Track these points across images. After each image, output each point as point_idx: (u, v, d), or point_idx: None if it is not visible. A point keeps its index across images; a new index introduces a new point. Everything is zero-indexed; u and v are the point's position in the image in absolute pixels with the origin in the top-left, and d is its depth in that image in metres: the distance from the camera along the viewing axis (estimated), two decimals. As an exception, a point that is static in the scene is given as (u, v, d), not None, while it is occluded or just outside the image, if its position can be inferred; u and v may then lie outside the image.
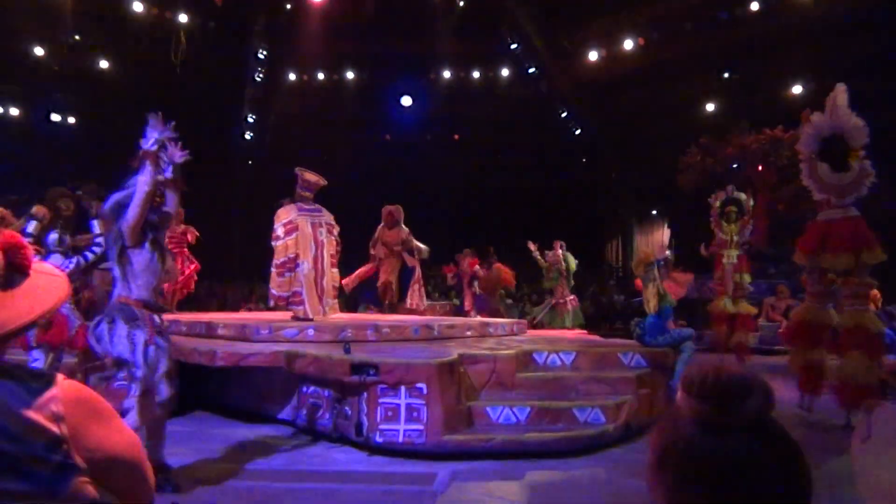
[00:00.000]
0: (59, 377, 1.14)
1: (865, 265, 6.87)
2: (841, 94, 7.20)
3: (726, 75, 17.56)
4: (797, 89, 16.37)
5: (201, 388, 7.35)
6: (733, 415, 0.86)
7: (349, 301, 11.56)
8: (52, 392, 1.09)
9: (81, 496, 1.08)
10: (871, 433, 3.87)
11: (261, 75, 21.70)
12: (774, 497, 0.84)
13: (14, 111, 14.92)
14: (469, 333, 8.51)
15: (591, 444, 5.77)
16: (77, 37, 14.36)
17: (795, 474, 0.86)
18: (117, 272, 4.60)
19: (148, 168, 4.49)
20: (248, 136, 22.79)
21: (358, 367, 5.70)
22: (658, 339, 7.52)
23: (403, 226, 10.60)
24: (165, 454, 4.80)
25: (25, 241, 1.23)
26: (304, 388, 6.32)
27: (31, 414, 1.04)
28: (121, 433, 1.19)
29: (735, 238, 10.64)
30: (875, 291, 9.05)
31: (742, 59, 17.11)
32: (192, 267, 10.40)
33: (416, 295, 10.73)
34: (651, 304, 7.65)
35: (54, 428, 1.06)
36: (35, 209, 7.02)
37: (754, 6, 15.18)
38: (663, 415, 0.96)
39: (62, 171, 14.38)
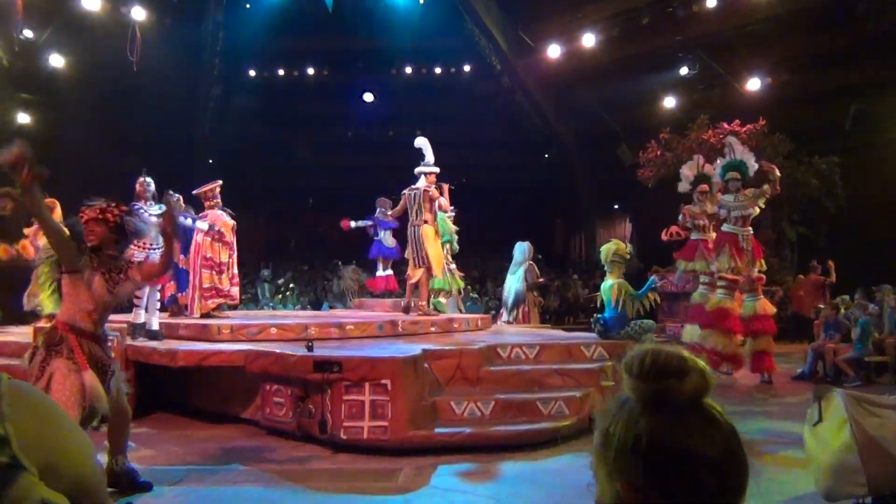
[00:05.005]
0: (5, 376, 1.12)
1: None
2: (731, 140, 9.99)
3: (685, 71, 17.81)
4: (754, 84, 16.71)
5: (162, 389, 7.25)
6: (671, 394, 0.90)
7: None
8: None
9: (29, 498, 1.06)
10: (822, 418, 3.98)
11: (219, 71, 21.40)
12: (711, 473, 0.88)
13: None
14: (433, 329, 8.54)
15: (555, 436, 5.82)
16: (28, 32, 13.93)
17: (731, 452, 0.90)
18: None
19: None
20: (207, 132, 22.45)
21: (321, 365, 5.68)
22: (620, 332, 7.65)
23: None
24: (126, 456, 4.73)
25: None
26: (267, 387, 6.26)
27: None
28: (70, 436, 1.17)
29: None
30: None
31: (700, 54, 17.39)
32: None
33: None
34: (613, 298, 7.76)
35: None
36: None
37: (711, 2, 15.39)
38: (609, 398, 0.99)
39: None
